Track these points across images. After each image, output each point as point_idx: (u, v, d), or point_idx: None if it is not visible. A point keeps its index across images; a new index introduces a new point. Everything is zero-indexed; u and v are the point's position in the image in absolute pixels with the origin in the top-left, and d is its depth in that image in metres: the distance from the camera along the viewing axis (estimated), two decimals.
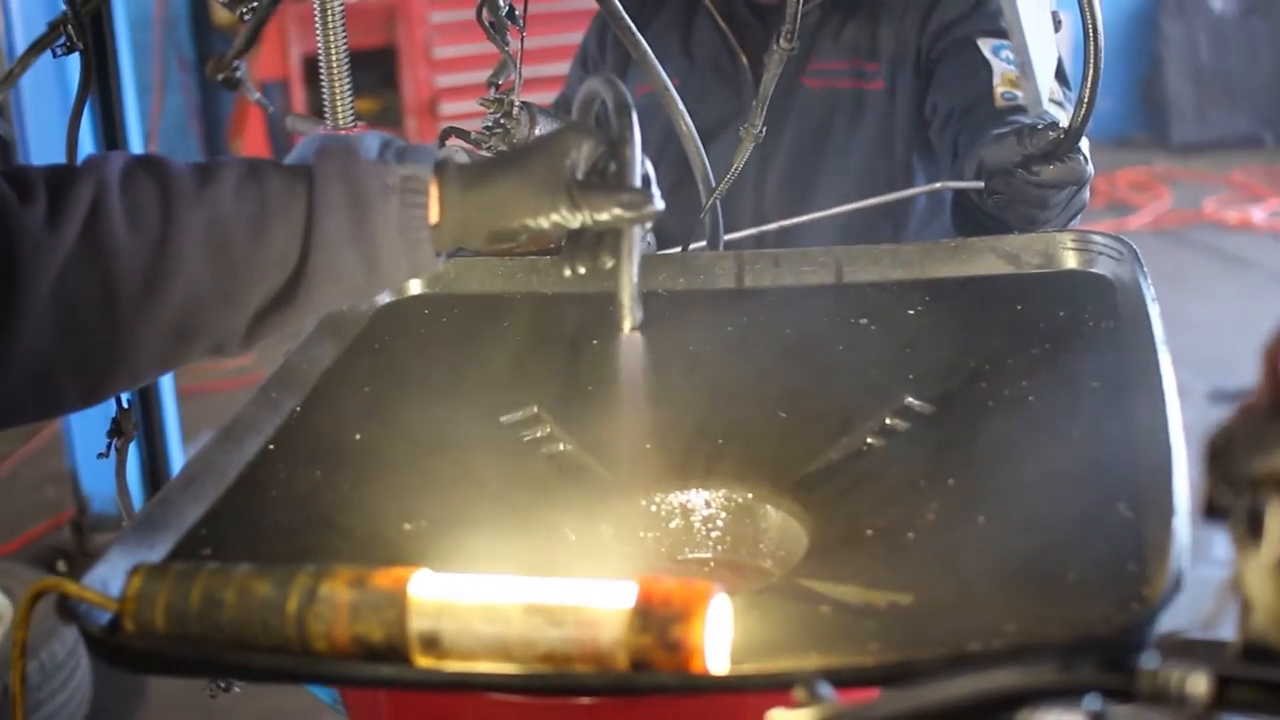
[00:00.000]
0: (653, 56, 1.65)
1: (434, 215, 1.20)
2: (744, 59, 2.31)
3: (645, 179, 1.25)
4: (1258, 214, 7.15)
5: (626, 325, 1.33)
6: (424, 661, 0.94)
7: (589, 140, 1.23)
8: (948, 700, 0.70)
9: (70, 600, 1.00)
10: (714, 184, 1.72)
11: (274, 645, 0.95)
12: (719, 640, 0.91)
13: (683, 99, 1.82)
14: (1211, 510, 0.68)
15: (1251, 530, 0.66)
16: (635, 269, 1.31)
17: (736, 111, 1.75)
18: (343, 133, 1.59)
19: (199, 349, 1.19)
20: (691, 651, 0.89)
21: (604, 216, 1.21)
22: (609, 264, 1.29)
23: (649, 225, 1.29)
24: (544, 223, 1.20)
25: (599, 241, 1.30)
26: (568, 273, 1.30)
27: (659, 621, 0.90)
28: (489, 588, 0.94)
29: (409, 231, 1.19)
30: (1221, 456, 0.68)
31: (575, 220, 1.20)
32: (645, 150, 1.23)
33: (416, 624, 0.93)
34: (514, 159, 1.25)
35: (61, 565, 3.84)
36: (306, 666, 0.96)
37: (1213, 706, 0.69)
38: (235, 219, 1.15)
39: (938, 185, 1.81)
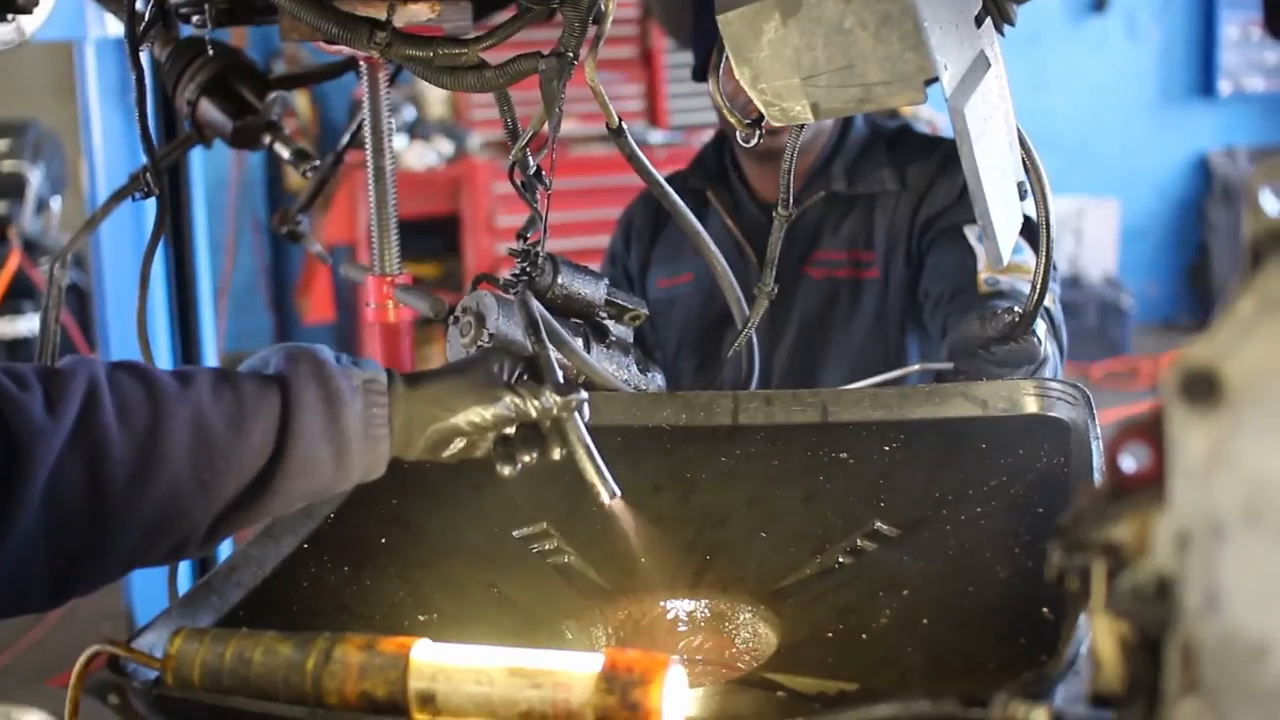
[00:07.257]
0: (698, 225, 1.79)
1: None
2: (750, 253, 2.51)
3: (567, 379, 1.39)
4: None
5: (605, 498, 1.38)
6: (421, 717, 1.08)
7: (510, 355, 1.39)
8: None
9: (120, 659, 1.16)
10: (745, 328, 1.86)
11: (293, 698, 1.09)
12: (675, 704, 1.04)
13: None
14: (1059, 576, 0.82)
15: (1084, 589, 0.80)
16: (590, 447, 1.37)
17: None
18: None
19: (165, 547, 1.23)
20: (650, 712, 1.03)
21: (538, 402, 1.34)
22: (557, 455, 1.37)
23: (585, 413, 1.37)
24: (488, 414, 1.33)
25: (536, 437, 1.37)
26: (507, 470, 1.37)
27: (622, 685, 1.04)
28: (479, 654, 1.09)
29: (371, 429, 1.31)
30: (1067, 531, 0.82)
31: (514, 409, 1.34)
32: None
33: (415, 684, 1.08)
34: (452, 367, 1.38)
35: (113, 699, 3.95)
36: (320, 718, 1.10)
37: None
38: (215, 416, 1.23)
39: (916, 368, 1.96)
